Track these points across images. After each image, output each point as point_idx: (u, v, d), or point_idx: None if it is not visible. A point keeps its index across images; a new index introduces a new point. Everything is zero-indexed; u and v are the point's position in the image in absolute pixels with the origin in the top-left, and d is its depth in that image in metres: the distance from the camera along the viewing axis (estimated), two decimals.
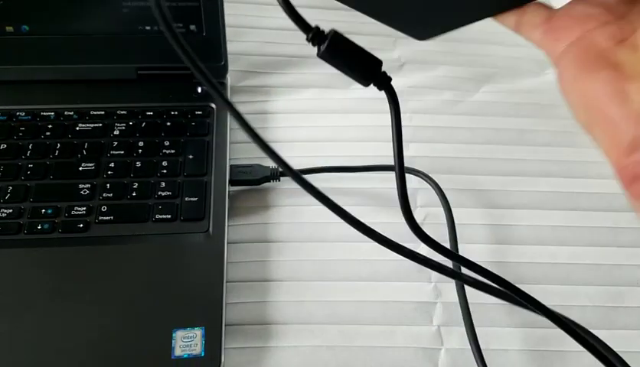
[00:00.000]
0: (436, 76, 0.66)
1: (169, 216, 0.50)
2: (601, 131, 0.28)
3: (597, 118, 0.28)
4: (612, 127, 0.27)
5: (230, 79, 0.61)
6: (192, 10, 0.57)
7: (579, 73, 0.29)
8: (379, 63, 0.30)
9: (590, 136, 0.29)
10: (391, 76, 0.66)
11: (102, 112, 0.56)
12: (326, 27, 0.31)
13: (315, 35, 0.28)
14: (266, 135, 0.59)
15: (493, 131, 0.61)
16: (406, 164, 0.40)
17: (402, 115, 0.62)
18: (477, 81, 0.66)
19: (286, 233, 0.53)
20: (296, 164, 0.57)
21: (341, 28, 0.71)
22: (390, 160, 0.33)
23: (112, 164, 0.53)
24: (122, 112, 0.57)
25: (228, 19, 0.61)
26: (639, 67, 0.28)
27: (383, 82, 0.30)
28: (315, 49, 0.29)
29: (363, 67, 0.30)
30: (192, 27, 0.58)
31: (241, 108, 0.61)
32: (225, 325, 0.46)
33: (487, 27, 0.72)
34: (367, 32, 0.69)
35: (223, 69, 0.60)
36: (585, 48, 0.29)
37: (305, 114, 0.62)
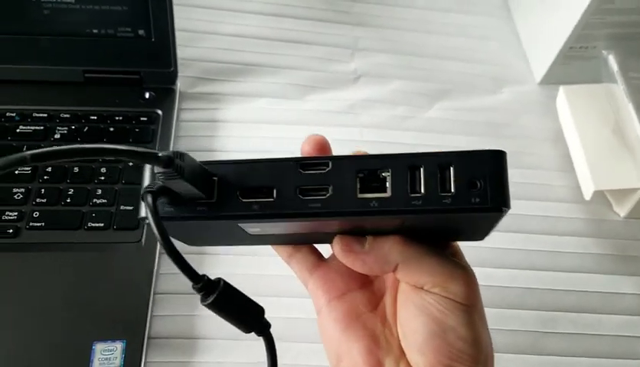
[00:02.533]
0: (391, 90, 0.65)
1: (102, 225, 0.50)
2: None
3: None
4: None
5: (180, 85, 0.61)
6: (140, 14, 0.57)
7: (341, 334, 0.33)
8: (262, 311, 0.31)
9: None
10: (346, 88, 0.66)
11: (45, 115, 0.56)
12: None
13: (204, 285, 0.28)
14: (212, 144, 0.59)
15: (443, 149, 0.61)
16: None
17: (352, 129, 0.62)
18: (431, 97, 0.65)
19: (222, 247, 0.52)
20: None
21: (299, 37, 0.71)
22: None
23: (49, 169, 0.52)
24: (65, 116, 0.56)
25: (182, 24, 0.60)
26: (391, 340, 0.32)
27: (263, 330, 0.31)
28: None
29: (248, 316, 0.31)
30: (141, 31, 0.57)
31: (190, 116, 0.61)
32: (149, 338, 0.46)
33: (445, 43, 0.72)
34: (326, 43, 0.69)
35: (173, 75, 0.60)
36: (347, 310, 0.34)
37: (257, 123, 0.61)
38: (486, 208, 0.26)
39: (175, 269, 0.51)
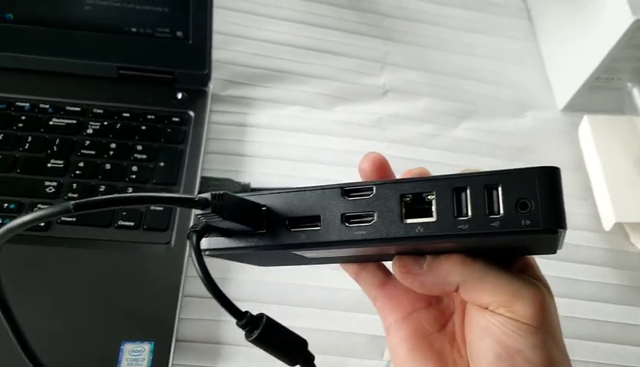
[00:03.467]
0: (418, 107, 0.66)
1: (132, 224, 0.50)
2: None
3: None
4: None
5: (212, 87, 0.61)
6: (180, 16, 0.57)
7: (408, 354, 0.33)
8: (305, 343, 0.31)
9: None
10: (374, 101, 0.67)
11: (78, 109, 0.56)
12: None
13: (248, 321, 0.28)
14: (242, 149, 0.60)
15: (468, 169, 0.62)
16: None
17: (379, 143, 0.63)
18: (457, 116, 0.66)
19: None
20: (269, 181, 0.57)
21: (330, 48, 0.71)
22: None
23: (81, 164, 0.52)
24: (98, 111, 0.56)
25: (218, 26, 0.60)
26: (460, 362, 0.31)
27: (308, 362, 0.31)
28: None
29: (292, 349, 0.30)
30: (179, 33, 0.58)
31: (221, 119, 0.61)
32: (176, 341, 0.46)
33: (472, 64, 0.73)
34: (355, 55, 0.69)
35: (206, 78, 0.60)
36: (414, 330, 0.33)
37: (285, 131, 0.62)
38: (538, 230, 0.25)
39: None
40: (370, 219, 0.27)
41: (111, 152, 0.54)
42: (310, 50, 0.68)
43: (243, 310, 0.28)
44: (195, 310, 0.49)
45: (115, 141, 0.54)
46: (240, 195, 0.28)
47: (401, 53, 0.70)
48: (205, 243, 0.29)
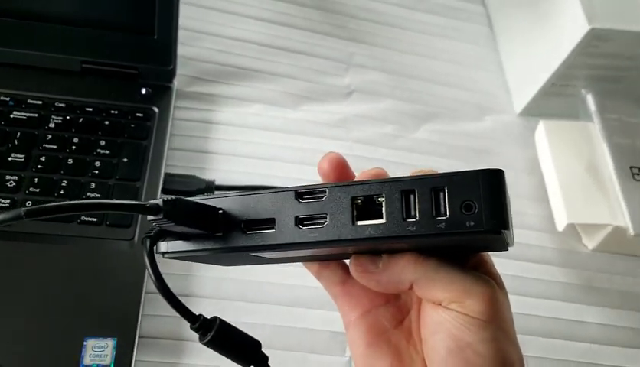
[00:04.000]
0: (381, 108, 0.67)
1: (95, 220, 0.50)
2: None
3: None
4: None
5: (177, 83, 0.61)
6: (146, 11, 0.56)
7: (366, 350, 0.34)
8: (258, 345, 0.32)
9: None
10: (339, 101, 0.67)
11: (40, 102, 0.55)
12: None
13: (201, 325, 0.29)
14: (207, 146, 0.60)
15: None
16: None
17: (343, 143, 0.64)
18: (419, 118, 0.68)
19: None
20: (233, 179, 0.58)
21: (296, 47, 0.72)
22: None
23: (42, 158, 0.52)
24: (60, 105, 0.55)
25: (183, 22, 0.60)
26: (416, 358, 0.32)
27: (261, 363, 0.32)
28: None
29: (245, 351, 0.31)
30: (144, 28, 0.57)
31: (185, 115, 0.61)
32: (139, 337, 0.46)
33: (434, 67, 0.74)
34: (321, 55, 0.70)
35: (171, 73, 0.60)
36: (372, 326, 0.34)
37: (250, 129, 0.62)
38: (482, 231, 0.25)
39: (167, 268, 0.51)
40: (323, 221, 0.28)
41: (73, 147, 0.53)
42: (276, 49, 0.69)
43: (197, 313, 0.28)
44: (158, 307, 0.49)
45: (77, 136, 0.54)
46: (195, 198, 0.29)
47: (366, 54, 0.71)
48: (163, 246, 0.30)
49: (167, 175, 0.55)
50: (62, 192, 0.50)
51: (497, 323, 0.28)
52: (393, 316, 0.35)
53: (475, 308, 0.28)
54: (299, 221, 0.28)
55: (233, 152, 0.60)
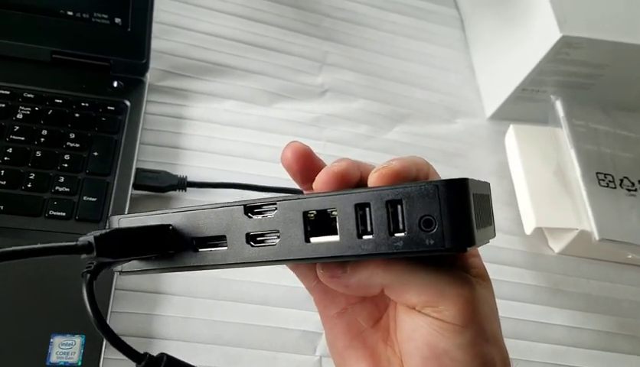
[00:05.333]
0: (355, 108, 0.67)
1: (64, 214, 0.49)
2: None
3: None
4: None
5: (149, 77, 0.60)
6: (120, 3, 0.55)
7: (343, 352, 0.32)
8: None
9: None
10: (313, 100, 0.67)
11: (8, 92, 0.54)
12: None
13: (147, 363, 0.26)
14: (179, 141, 0.59)
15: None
16: None
17: (316, 142, 0.64)
18: (392, 119, 0.68)
19: None
20: (205, 175, 0.57)
21: (270, 44, 0.71)
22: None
23: (9, 150, 0.50)
24: (29, 96, 0.54)
25: (157, 15, 0.60)
26: (394, 360, 0.31)
27: None
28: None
29: None
30: (117, 20, 0.56)
31: (157, 109, 0.61)
32: None
33: (407, 68, 0.75)
34: (295, 53, 0.70)
35: (144, 67, 0.59)
36: (348, 326, 0.32)
37: (222, 125, 0.62)
38: (442, 249, 0.23)
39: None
40: (275, 238, 0.26)
41: (42, 139, 0.52)
42: (250, 45, 0.68)
43: (142, 352, 0.27)
44: (127, 304, 0.48)
45: (46, 128, 0.53)
46: (142, 214, 0.28)
47: (340, 53, 0.72)
48: (119, 266, 0.28)
49: (138, 170, 0.54)
50: (29, 185, 0.49)
51: (474, 326, 0.27)
52: (370, 314, 0.33)
53: (450, 313, 0.26)
54: (251, 238, 0.26)
55: (206, 148, 0.59)
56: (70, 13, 0.55)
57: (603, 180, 0.63)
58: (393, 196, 0.24)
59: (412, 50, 0.76)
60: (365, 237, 0.24)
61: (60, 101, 0.55)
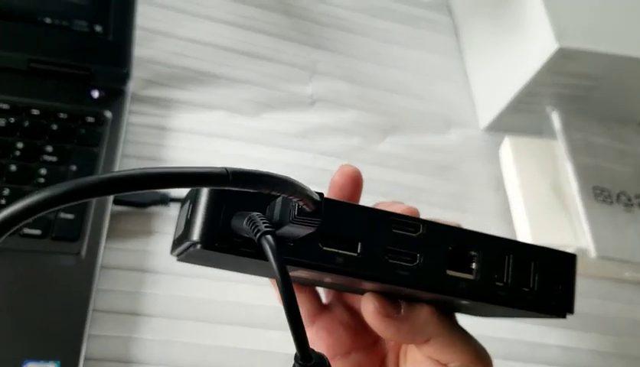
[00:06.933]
0: (346, 119, 0.65)
1: (39, 232, 0.46)
2: None
3: None
4: None
5: (131, 86, 0.58)
6: (101, 9, 0.53)
7: None
8: None
9: None
10: (302, 110, 0.65)
11: None
12: None
13: (315, 364, 0.22)
14: (162, 154, 0.57)
15: (392, 185, 0.62)
16: None
17: (306, 154, 0.62)
18: (384, 130, 0.66)
19: (164, 264, 0.50)
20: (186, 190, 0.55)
21: (258, 52, 0.69)
22: None
23: None
24: (3, 106, 0.52)
25: (141, 21, 0.58)
26: None
27: None
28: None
29: None
30: (98, 27, 0.54)
31: (139, 120, 0.58)
32: (84, 359, 0.43)
33: (399, 77, 0.73)
34: (283, 61, 0.68)
35: (126, 77, 0.56)
36: None
37: (208, 137, 0.59)
38: (557, 311, 0.26)
39: (116, 285, 0.48)
40: (414, 260, 0.25)
41: (17, 152, 0.50)
42: (237, 53, 0.66)
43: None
44: (105, 326, 0.46)
45: (22, 140, 0.50)
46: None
47: (330, 62, 0.69)
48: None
49: None
50: (3, 201, 0.47)
51: None
52: (373, 362, 0.32)
53: None
54: (390, 253, 0.24)
55: (190, 161, 0.57)
56: (48, 20, 0.53)
57: (600, 195, 0.61)
58: (532, 252, 0.26)
59: (404, 58, 0.74)
60: (499, 283, 0.25)
61: (37, 112, 0.52)
